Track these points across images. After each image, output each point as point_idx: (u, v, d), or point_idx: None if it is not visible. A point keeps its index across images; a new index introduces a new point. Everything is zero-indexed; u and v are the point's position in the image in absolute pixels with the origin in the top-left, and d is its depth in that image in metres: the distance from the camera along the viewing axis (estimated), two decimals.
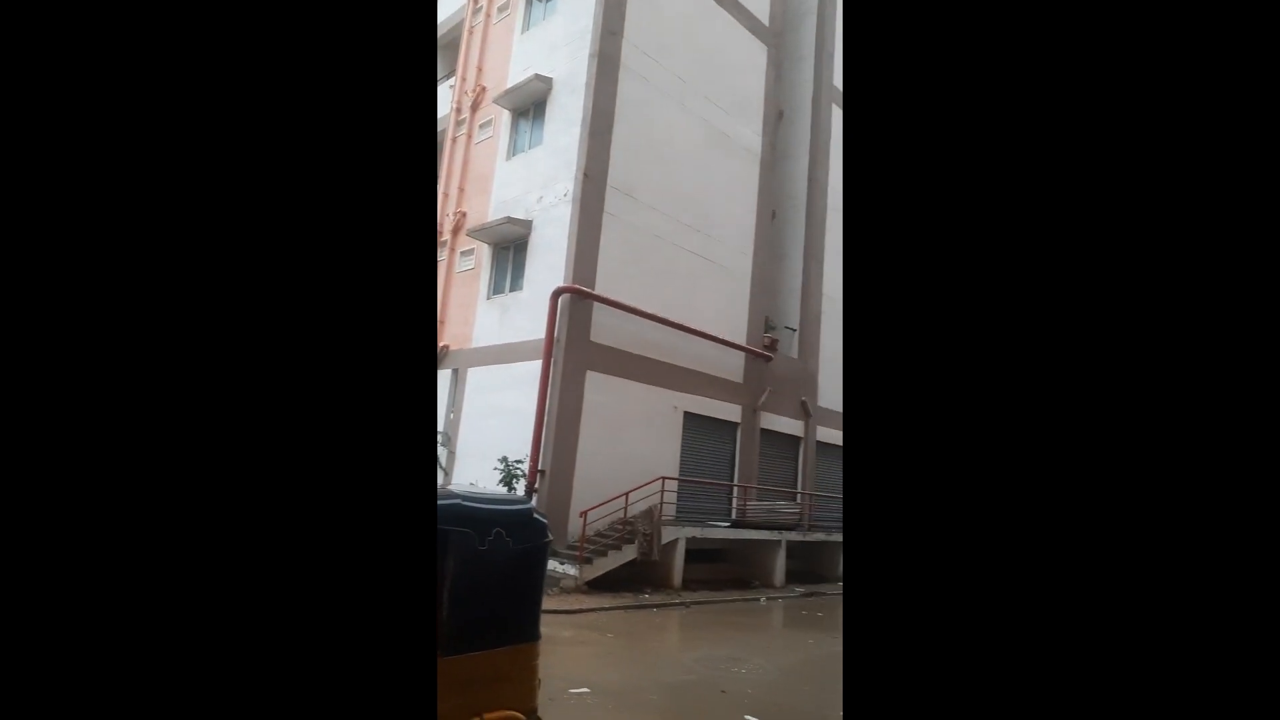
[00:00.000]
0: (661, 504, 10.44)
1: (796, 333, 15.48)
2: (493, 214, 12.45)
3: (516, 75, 12.80)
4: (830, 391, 15.96)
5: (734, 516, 12.27)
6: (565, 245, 10.87)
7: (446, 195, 13.76)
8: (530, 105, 12.49)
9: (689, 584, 10.49)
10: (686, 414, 12.26)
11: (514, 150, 12.73)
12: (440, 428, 12.40)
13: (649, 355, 11.63)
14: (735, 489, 12.91)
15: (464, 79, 14.31)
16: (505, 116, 12.97)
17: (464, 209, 13.30)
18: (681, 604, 9.34)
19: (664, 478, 10.99)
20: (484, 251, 12.59)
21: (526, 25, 13.30)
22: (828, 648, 7.96)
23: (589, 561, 9.55)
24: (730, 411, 13.17)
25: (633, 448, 11.21)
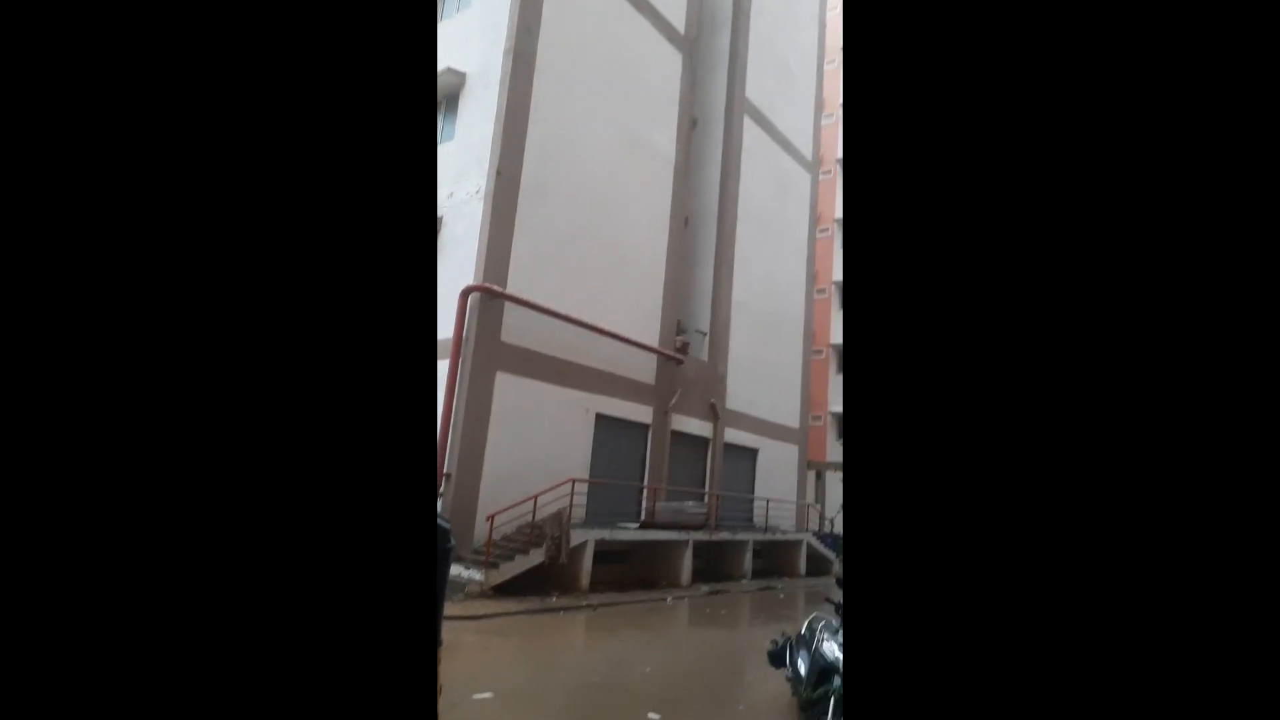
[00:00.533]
0: (571, 506, 10.41)
1: (707, 336, 15.84)
2: None
3: None
4: (738, 394, 16.42)
5: (643, 518, 12.40)
6: (476, 243, 10.66)
7: None
8: (442, 99, 12.17)
9: (596, 586, 10.51)
10: (598, 415, 12.29)
11: None
12: None
13: (561, 356, 11.58)
14: (645, 490, 13.05)
15: None
16: None
17: None
18: (589, 606, 9.35)
19: (573, 480, 10.97)
20: None
21: (440, 16, 12.95)
22: (728, 643, 8.19)
23: (495, 566, 9.40)
24: (642, 413, 13.31)
25: (543, 450, 11.12)
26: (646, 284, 13.67)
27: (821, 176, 22.35)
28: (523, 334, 10.97)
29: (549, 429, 11.30)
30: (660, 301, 13.97)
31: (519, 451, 10.71)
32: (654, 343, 13.60)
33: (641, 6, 13.86)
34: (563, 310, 11.49)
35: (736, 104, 17.03)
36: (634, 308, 13.24)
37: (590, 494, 11.66)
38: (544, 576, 9.89)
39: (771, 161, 18.49)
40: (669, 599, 10.88)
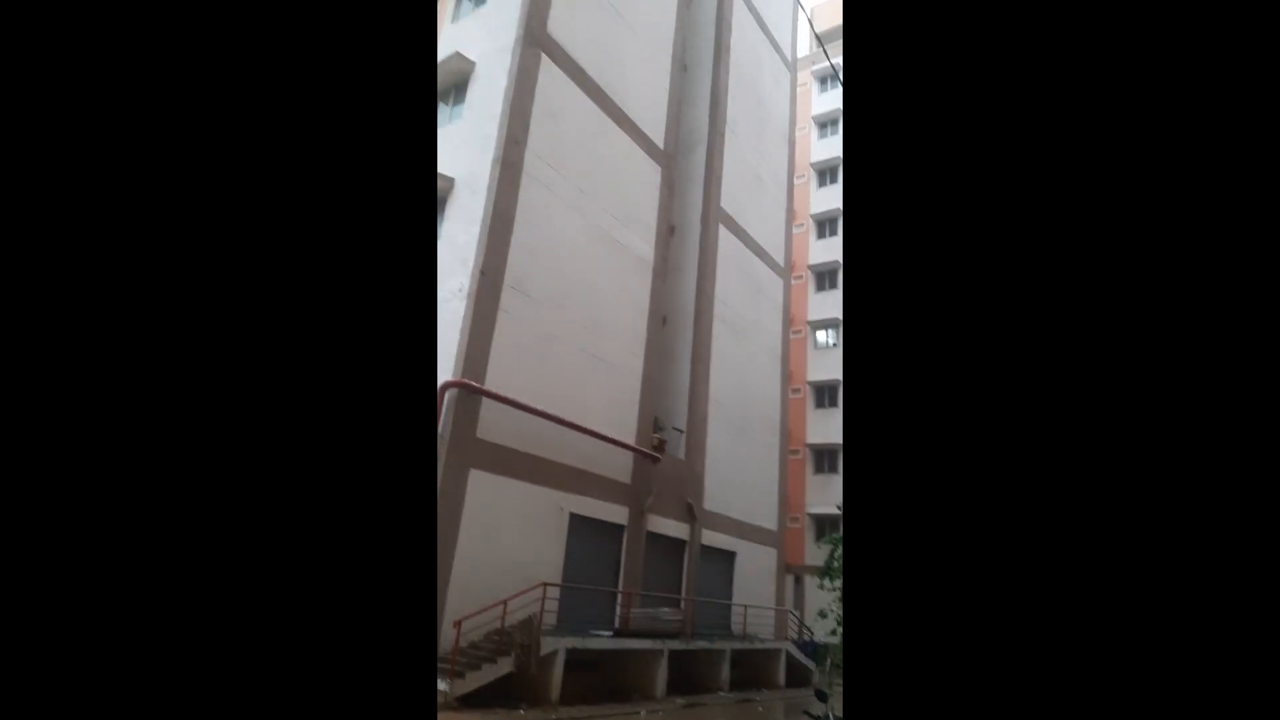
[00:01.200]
0: (542, 612, 9.99)
1: (684, 434, 15.84)
2: None
3: None
4: (715, 494, 16.24)
5: (617, 625, 11.90)
6: (457, 339, 10.76)
7: None
8: None
9: (567, 697, 9.92)
10: (572, 515, 12.03)
11: None
12: None
13: (537, 453, 11.46)
14: (619, 595, 12.60)
15: None
16: None
17: None
18: None
19: (545, 584, 10.58)
20: None
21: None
22: None
23: (460, 675, 8.87)
24: (617, 513, 13.05)
25: (514, 552, 10.79)
26: (624, 381, 13.79)
27: (793, 281, 23.22)
28: (499, 430, 10.90)
29: (521, 529, 11.01)
30: (638, 399, 14.05)
31: (490, 553, 10.37)
32: (631, 439, 13.55)
33: (623, 123, 14.78)
34: (540, 406, 11.49)
35: (712, 213, 17.89)
36: (611, 405, 13.28)
37: (562, 598, 11.22)
38: (512, 687, 9.33)
39: (745, 267, 19.23)
40: (643, 713, 10.28)
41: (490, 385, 10.81)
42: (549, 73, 12.83)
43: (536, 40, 12.60)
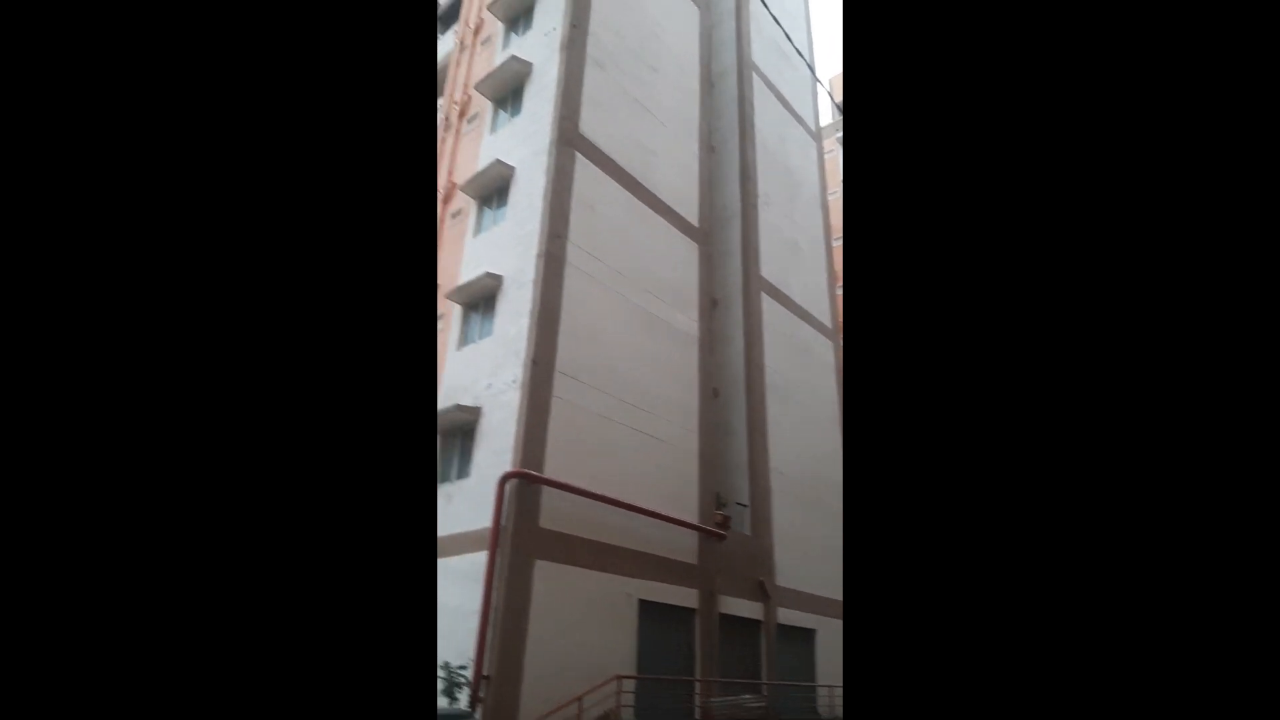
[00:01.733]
0: (619, 707, 9.59)
1: (748, 509, 15.42)
2: (442, 403, 12.55)
3: (468, 274, 13.59)
4: (787, 569, 15.62)
5: (697, 716, 11.30)
6: (513, 429, 10.92)
7: None
8: (481, 300, 13.15)
9: None
10: (641, 601, 11.70)
11: (465, 341, 13.16)
12: None
13: (601, 539, 11.31)
14: (696, 684, 12.03)
15: None
16: (457, 311, 13.56)
17: None
18: None
19: (619, 676, 10.20)
20: None
21: (478, 229, 14.40)
22: None
23: None
24: (686, 596, 12.64)
25: (585, 644, 10.49)
26: (681, 459, 13.65)
27: (841, 341, 22.95)
28: (561, 518, 10.84)
29: (591, 619, 10.74)
30: (696, 476, 13.84)
31: (561, 646, 10.11)
32: (694, 518, 13.27)
33: (658, 206, 15.29)
34: (600, 490, 11.42)
35: (753, 283, 18.05)
36: (670, 484, 13.11)
37: (638, 691, 10.78)
38: None
39: (792, 332, 19.17)
40: None
41: (549, 473, 10.84)
42: (584, 169, 13.47)
43: (569, 141, 13.32)
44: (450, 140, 16.19)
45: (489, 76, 15.28)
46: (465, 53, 17.25)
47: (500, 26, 16.60)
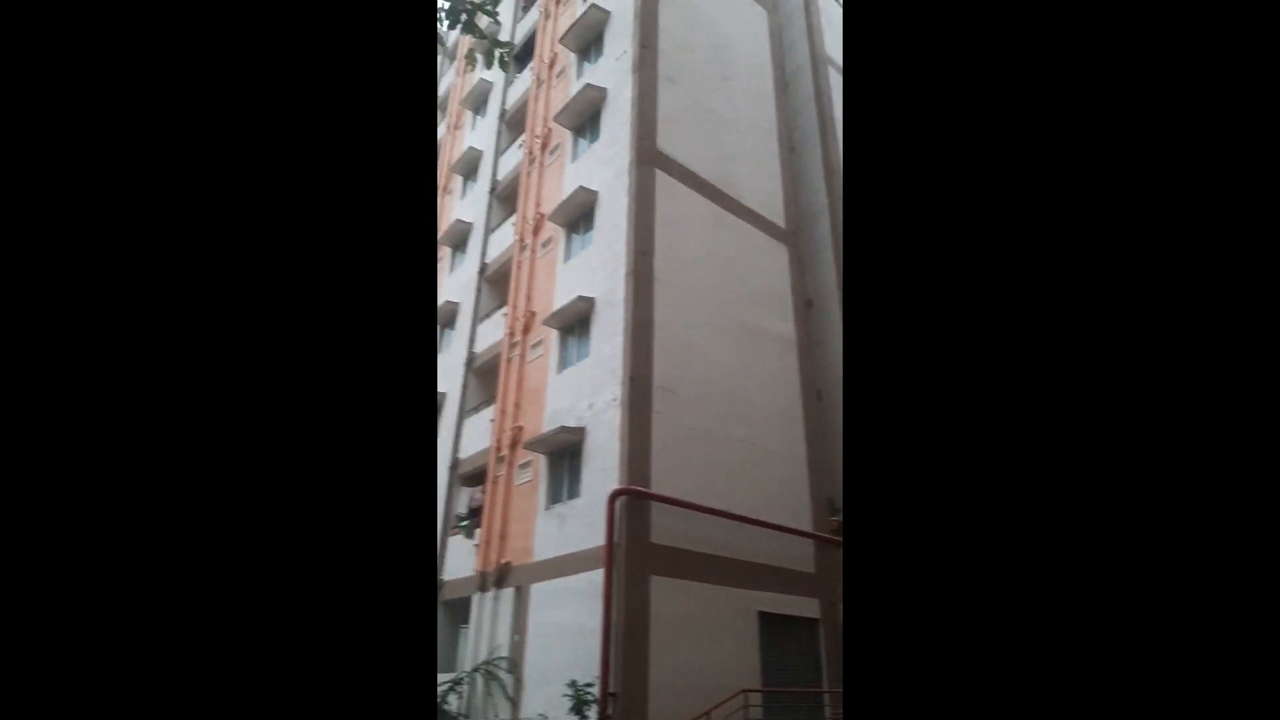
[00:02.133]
0: None
1: None
2: (547, 425, 12.94)
3: (562, 298, 14.00)
4: None
5: None
6: (617, 447, 11.09)
7: (504, 412, 14.45)
8: (576, 323, 13.50)
9: None
10: (761, 614, 11.51)
11: (564, 364, 13.53)
12: (505, 653, 11.84)
13: (714, 553, 11.24)
14: (825, 695, 11.66)
15: (515, 307, 15.70)
16: (554, 336, 13.98)
17: (520, 424, 13.88)
18: None
19: (745, 690, 10.06)
20: (541, 463, 12.89)
21: (567, 255, 14.82)
22: None
23: None
24: (808, 606, 12.32)
25: (708, 658, 10.42)
26: (789, 466, 13.37)
27: None
28: (673, 534, 10.87)
29: (712, 634, 10.67)
30: (806, 482, 13.51)
31: (683, 662, 10.09)
32: (808, 526, 12.94)
33: (742, 212, 15.17)
34: (708, 503, 11.37)
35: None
36: (780, 492, 12.86)
37: (765, 704, 10.57)
38: None
39: None
40: None
41: (657, 488, 10.91)
42: (665, 185, 13.61)
43: (649, 159, 13.50)
44: (534, 174, 16.81)
45: (566, 107, 15.77)
46: (542, 88, 17.90)
47: (573, 57, 17.12)
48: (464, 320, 18.14)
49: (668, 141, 14.13)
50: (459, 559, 14.48)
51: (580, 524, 11.28)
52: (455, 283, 19.47)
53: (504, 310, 16.43)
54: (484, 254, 18.39)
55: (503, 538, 13.03)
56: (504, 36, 19.67)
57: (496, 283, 18.02)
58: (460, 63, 18.88)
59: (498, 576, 12.76)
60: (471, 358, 17.10)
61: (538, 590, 11.77)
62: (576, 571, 10.95)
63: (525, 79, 19.51)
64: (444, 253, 20.49)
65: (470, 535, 14.28)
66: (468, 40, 15.67)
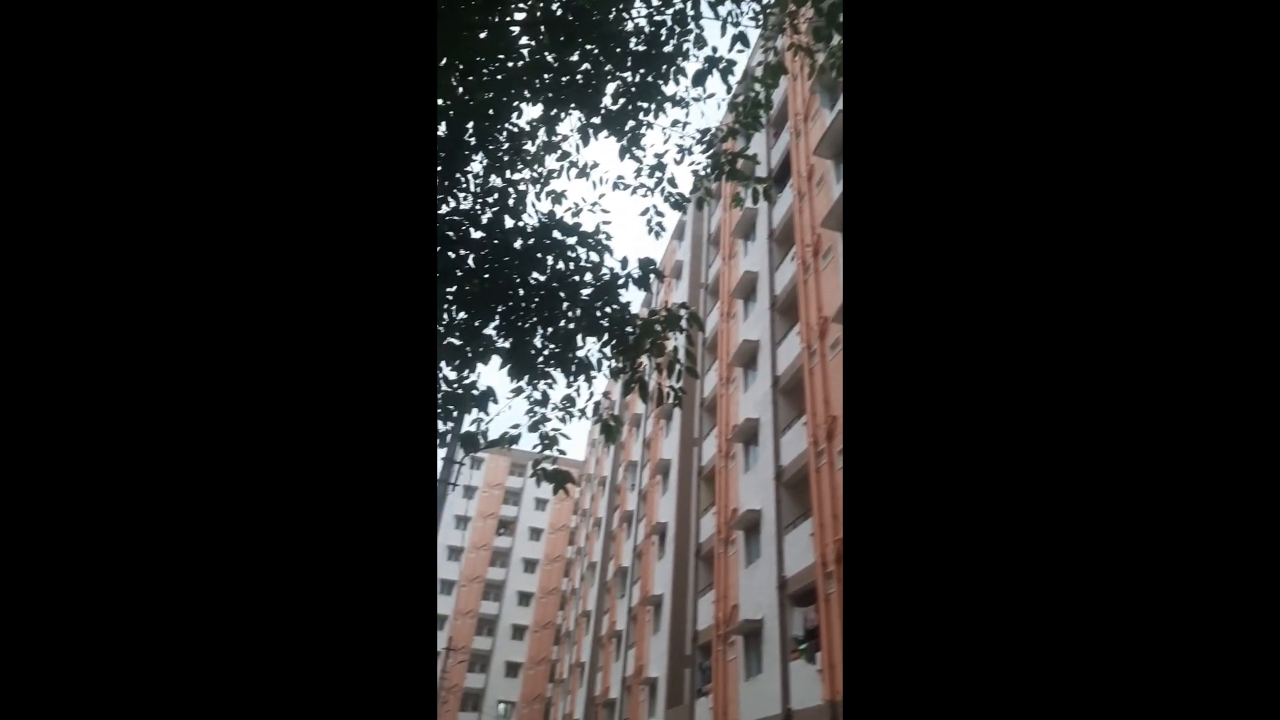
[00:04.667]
0: None
1: None
2: None
3: None
4: None
5: None
6: None
7: (822, 525, 13.99)
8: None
9: None
10: None
11: None
12: None
13: None
14: None
15: (814, 414, 15.52)
16: None
17: (841, 536, 13.25)
18: None
19: None
20: None
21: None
22: None
23: None
24: None
25: None
26: None
27: None
28: None
29: None
30: None
31: None
32: None
33: None
34: None
35: None
36: None
37: None
38: None
39: None
40: None
41: None
42: None
43: None
44: (810, 280, 17.02)
45: (831, 211, 15.96)
46: (804, 200, 18.47)
47: (829, 164, 17.49)
48: (765, 434, 18.39)
49: None
50: (803, 687, 13.79)
51: None
52: (751, 399, 20.05)
53: (803, 420, 16.33)
54: (774, 367, 18.77)
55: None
56: (756, 159, 20.99)
57: (789, 392, 18.13)
58: (726, 198, 20.52)
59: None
60: (780, 471, 17.09)
61: None
62: None
63: (786, 197, 20.37)
64: (735, 373, 21.39)
65: (811, 660, 13.59)
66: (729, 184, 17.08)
